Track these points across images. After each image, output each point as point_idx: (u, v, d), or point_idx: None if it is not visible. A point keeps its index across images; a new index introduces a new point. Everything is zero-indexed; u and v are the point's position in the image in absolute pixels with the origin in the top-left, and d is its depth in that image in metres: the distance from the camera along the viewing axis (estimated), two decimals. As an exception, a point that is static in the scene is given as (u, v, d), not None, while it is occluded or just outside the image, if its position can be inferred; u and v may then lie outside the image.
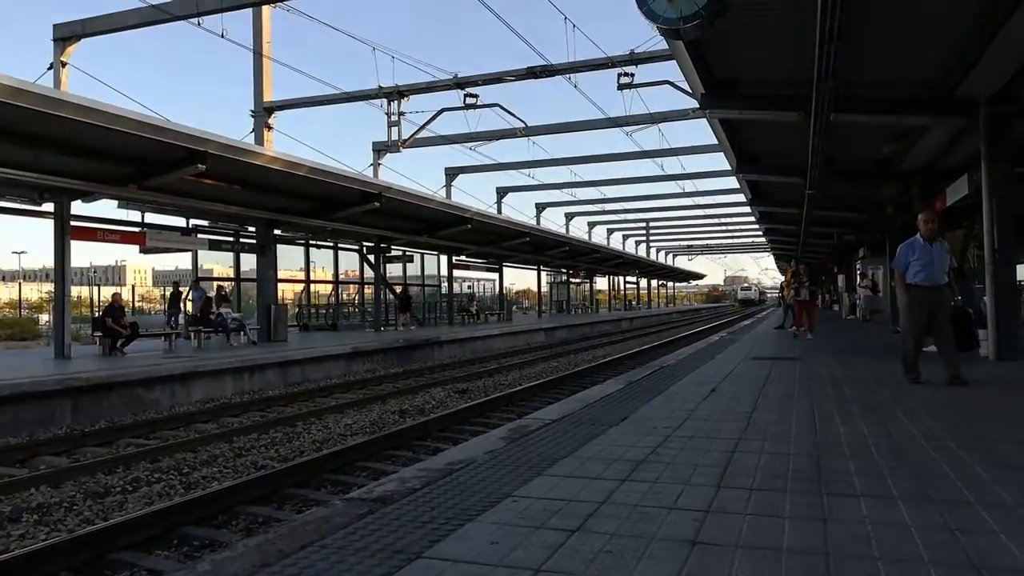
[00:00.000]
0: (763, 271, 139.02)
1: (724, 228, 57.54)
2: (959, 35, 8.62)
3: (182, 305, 19.60)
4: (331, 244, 25.28)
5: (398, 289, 26.43)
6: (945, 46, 9.03)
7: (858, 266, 30.50)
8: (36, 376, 10.32)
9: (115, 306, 15.23)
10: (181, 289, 19.98)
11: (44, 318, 36.87)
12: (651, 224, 58.70)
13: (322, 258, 26.44)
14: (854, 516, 3.15)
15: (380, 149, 25.90)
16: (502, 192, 39.38)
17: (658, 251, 75.71)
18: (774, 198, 21.48)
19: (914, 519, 3.09)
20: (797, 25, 7.99)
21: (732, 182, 30.59)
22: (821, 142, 11.61)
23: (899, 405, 6.27)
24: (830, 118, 10.20)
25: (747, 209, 34.27)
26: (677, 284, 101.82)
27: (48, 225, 13.80)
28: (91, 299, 27.32)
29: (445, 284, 31.47)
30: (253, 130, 21.76)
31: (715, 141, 16.22)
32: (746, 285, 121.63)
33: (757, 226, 38.20)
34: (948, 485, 3.63)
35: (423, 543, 2.81)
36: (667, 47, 13.94)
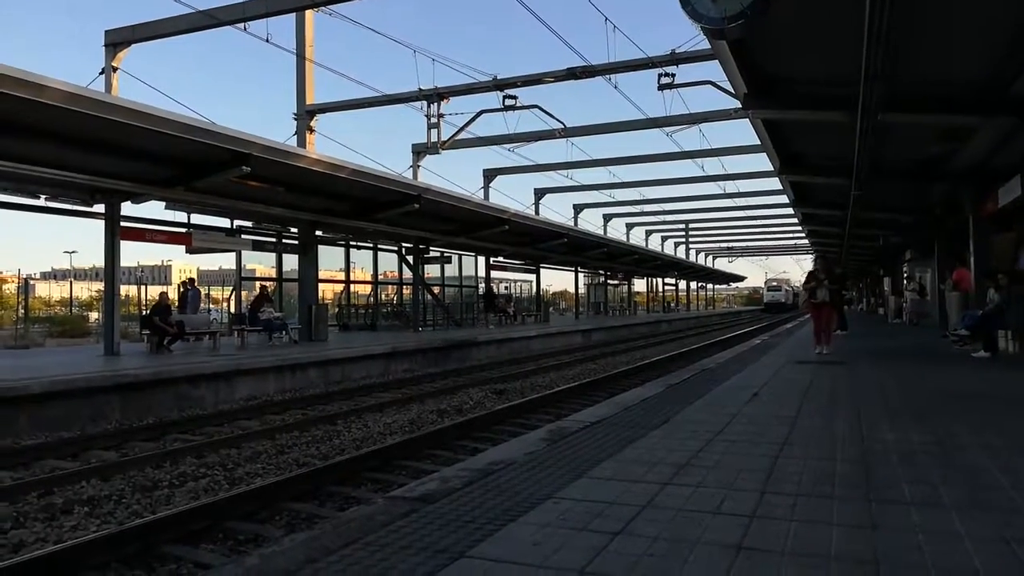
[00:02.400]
0: (805, 273, 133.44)
1: (765, 230, 56.76)
2: (1011, 34, 8.38)
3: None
4: (371, 245, 25.54)
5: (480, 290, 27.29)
6: (997, 45, 8.78)
7: (904, 269, 29.81)
8: (88, 372, 10.62)
9: (162, 305, 15.62)
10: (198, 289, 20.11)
11: (94, 316, 37.94)
12: (690, 225, 58.13)
13: (362, 259, 26.73)
14: (904, 524, 3.08)
15: (420, 151, 26.14)
16: (540, 193, 39.37)
17: (697, 253, 74.94)
18: (818, 199, 21.10)
19: (967, 529, 3.01)
20: (844, 23, 7.83)
21: (774, 183, 30.12)
22: (868, 142, 11.37)
23: (949, 411, 6.11)
24: (877, 118, 9.98)
25: (789, 211, 33.72)
26: (717, 286, 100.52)
27: (98, 225, 14.22)
28: (139, 298, 28.07)
29: (483, 284, 31.59)
30: (296, 132, 22.11)
31: (757, 141, 16.00)
32: (775, 283, 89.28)
33: (800, 228, 37.57)
34: (1002, 495, 3.53)
35: (466, 542, 2.83)
36: (709, 47, 13.80)
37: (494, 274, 31.69)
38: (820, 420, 5.67)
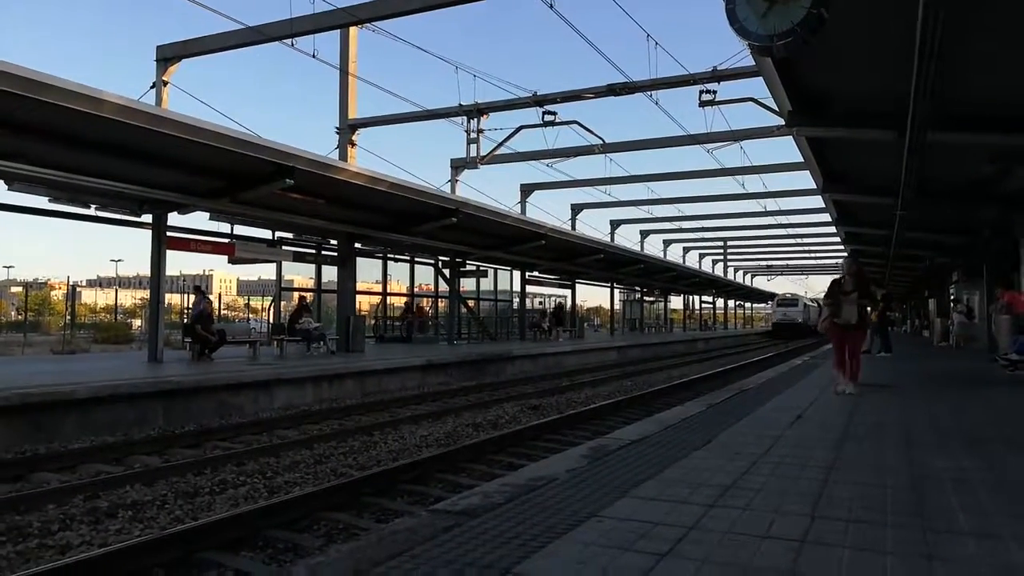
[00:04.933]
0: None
1: (806, 248, 55.88)
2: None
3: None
4: (408, 258, 25.74)
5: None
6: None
7: (951, 290, 29.09)
8: (132, 378, 10.85)
9: (204, 314, 15.89)
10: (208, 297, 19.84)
11: (137, 323, 38.87)
12: (729, 243, 57.54)
13: (398, 271, 26.96)
14: (961, 554, 2.98)
15: (458, 165, 26.29)
16: (577, 208, 39.35)
17: (735, 271, 74.07)
18: (862, 219, 20.71)
19: (1030, 562, 2.89)
20: (894, 40, 7.71)
21: (816, 201, 29.71)
22: (915, 161, 11.14)
23: (1003, 437, 5.91)
24: (926, 137, 9.78)
25: (831, 229, 33.18)
26: (755, 305, 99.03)
27: (145, 235, 14.55)
28: (181, 306, 28.66)
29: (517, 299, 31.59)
30: (338, 146, 22.42)
31: (800, 159, 15.81)
32: (789, 296, 65.92)
33: (842, 247, 36.91)
34: (1066, 527, 3.39)
35: (511, 559, 2.80)
36: (752, 64, 13.68)
37: (529, 288, 31.73)
38: (868, 444, 5.53)
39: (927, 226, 19.09)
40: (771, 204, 36.50)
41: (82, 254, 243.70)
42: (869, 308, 17.57)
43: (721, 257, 64.35)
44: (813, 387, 10.24)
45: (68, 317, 33.63)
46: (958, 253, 22.95)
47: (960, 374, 13.32)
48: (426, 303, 29.32)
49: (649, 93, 18.84)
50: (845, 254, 37.65)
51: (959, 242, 20.71)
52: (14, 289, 77.79)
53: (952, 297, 28.34)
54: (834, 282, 9.61)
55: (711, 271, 61.08)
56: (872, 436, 5.94)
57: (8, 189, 12.41)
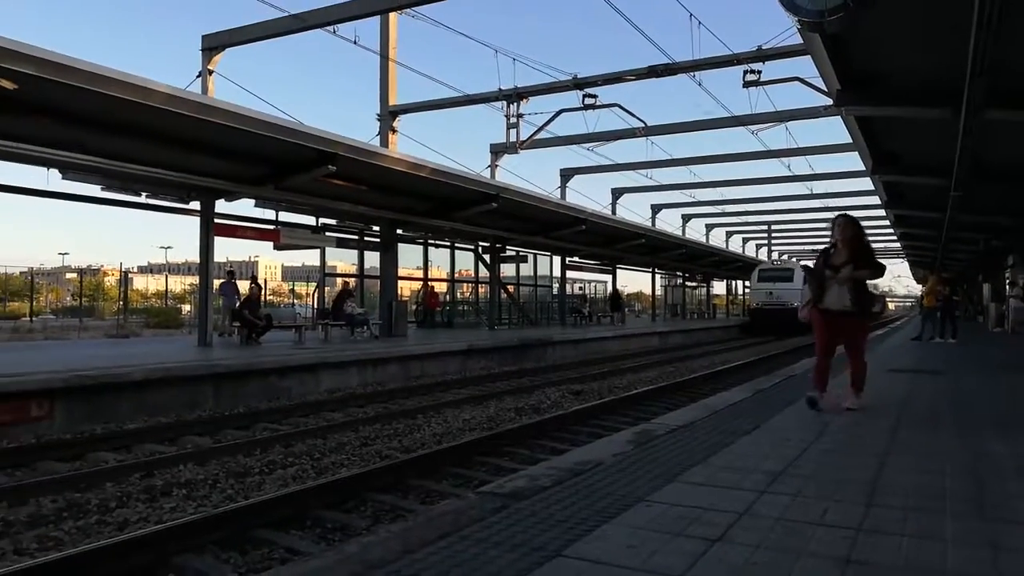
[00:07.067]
0: (895, 278, 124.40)
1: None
2: None
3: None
4: (448, 244, 25.84)
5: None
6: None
7: (1007, 274, 28.15)
8: (184, 362, 11.12)
9: (252, 299, 16.19)
10: (235, 282, 19.07)
11: (186, 308, 39.84)
12: (773, 227, 56.47)
13: (439, 257, 27.09)
14: (1027, 544, 2.88)
15: (498, 151, 26.25)
16: (617, 193, 39.01)
17: (780, 255, 72.72)
18: (913, 201, 20.13)
19: (1100, 553, 2.78)
20: (949, 13, 7.43)
21: (865, 183, 28.94)
22: (970, 141, 10.77)
23: (1066, 427, 5.70)
24: (983, 115, 9.44)
25: (881, 212, 32.29)
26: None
27: (192, 222, 14.85)
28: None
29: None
30: (379, 133, 22.54)
31: (848, 140, 15.40)
32: (777, 265, 48.12)
33: (891, 230, 35.92)
34: None
35: (560, 541, 2.80)
36: (798, 42, 13.36)
37: (569, 274, 31.60)
38: (923, 431, 5.39)
39: (982, 208, 18.47)
40: (818, 186, 35.72)
41: (133, 241, 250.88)
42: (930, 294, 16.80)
43: (765, 241, 63.24)
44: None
45: (121, 303, 34.65)
46: (1014, 235, 22.18)
47: (1017, 361, 12.89)
48: (465, 288, 29.40)
49: (692, 74, 18.54)
50: (895, 237, 36.17)
51: (1015, 224, 20.01)
52: (69, 276, 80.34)
53: (1008, 280, 27.41)
54: (822, 253, 6.58)
55: (755, 255, 60.09)
56: (927, 422, 5.78)
57: (62, 178, 12.78)
